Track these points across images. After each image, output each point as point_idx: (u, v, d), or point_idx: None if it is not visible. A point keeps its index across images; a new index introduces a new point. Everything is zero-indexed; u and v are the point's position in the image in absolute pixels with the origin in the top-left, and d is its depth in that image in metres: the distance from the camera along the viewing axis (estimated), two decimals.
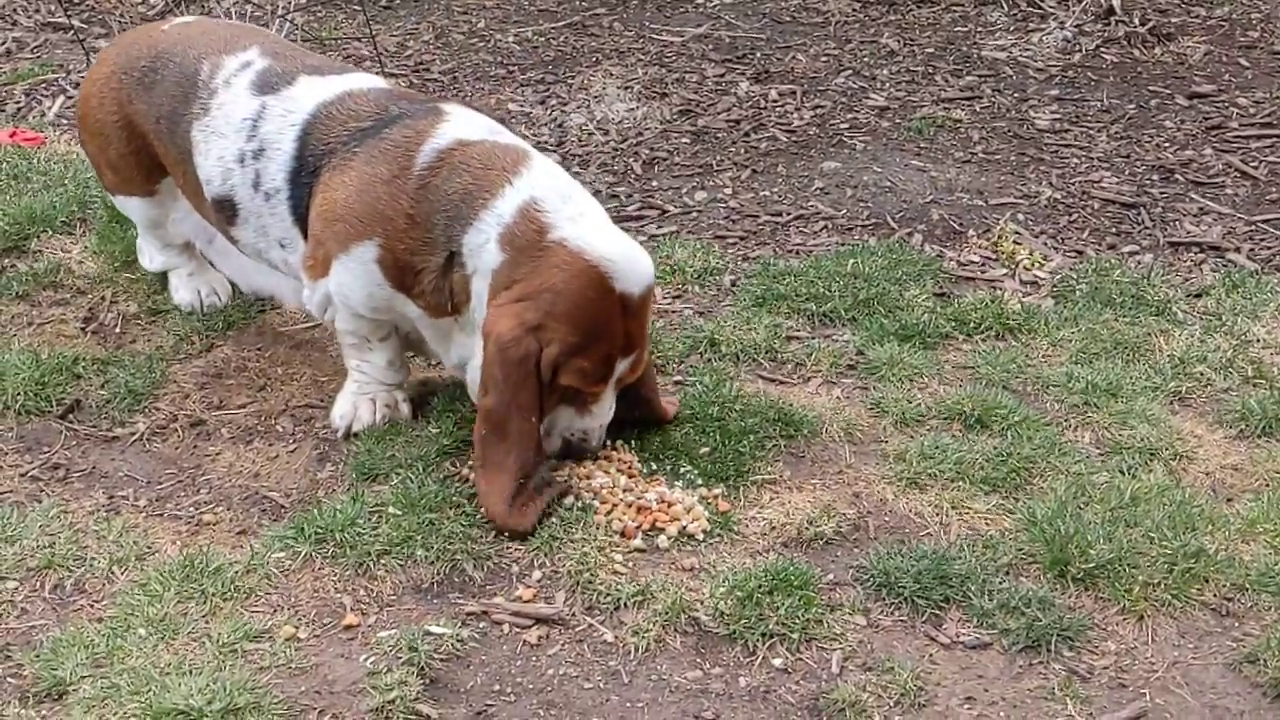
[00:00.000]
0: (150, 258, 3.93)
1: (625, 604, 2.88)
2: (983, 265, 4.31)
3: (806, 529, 3.09)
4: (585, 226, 3.06)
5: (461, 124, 3.23)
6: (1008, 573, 3.00)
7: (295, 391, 3.58)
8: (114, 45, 3.78)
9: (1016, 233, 4.47)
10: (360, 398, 3.41)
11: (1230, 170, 4.97)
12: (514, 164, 3.13)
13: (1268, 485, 3.30)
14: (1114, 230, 4.58)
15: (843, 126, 5.25)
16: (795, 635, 2.81)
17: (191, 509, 3.17)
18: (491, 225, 3.08)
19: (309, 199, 3.28)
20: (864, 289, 4.03)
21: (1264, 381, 3.70)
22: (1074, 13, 6.16)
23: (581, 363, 3.04)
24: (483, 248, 3.09)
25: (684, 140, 5.12)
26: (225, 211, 3.45)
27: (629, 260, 3.05)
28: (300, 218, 3.32)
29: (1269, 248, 4.46)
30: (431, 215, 3.14)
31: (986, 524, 3.14)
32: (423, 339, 3.39)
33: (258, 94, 3.39)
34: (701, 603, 2.88)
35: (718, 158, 5.00)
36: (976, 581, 2.94)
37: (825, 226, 4.54)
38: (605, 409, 3.18)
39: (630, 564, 2.99)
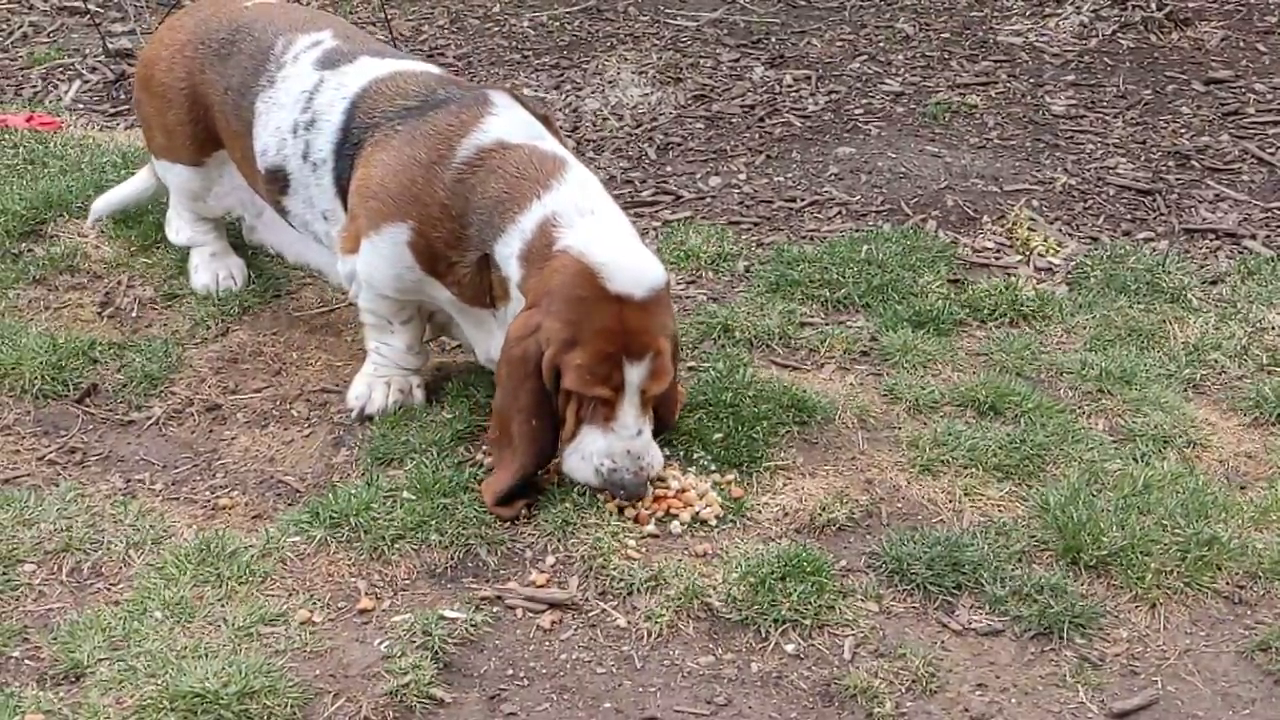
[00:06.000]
0: (178, 230, 3.95)
1: (638, 589, 2.89)
2: (997, 251, 4.30)
3: (819, 515, 3.09)
4: (592, 235, 3.02)
5: (506, 122, 3.19)
6: (1020, 560, 3.00)
7: (310, 376, 3.59)
8: (189, 14, 3.82)
9: (1031, 219, 4.46)
10: (376, 380, 3.43)
11: (1247, 157, 4.95)
12: (546, 176, 3.10)
13: None
14: (1129, 217, 4.56)
15: (857, 112, 5.24)
16: (808, 621, 2.82)
17: (207, 493, 3.19)
18: (516, 239, 3.08)
19: (350, 172, 3.32)
20: (878, 275, 4.03)
21: (1279, 369, 3.69)
22: None
23: (576, 359, 2.96)
24: (509, 260, 3.10)
25: (698, 125, 5.12)
26: (278, 182, 3.50)
27: (627, 264, 2.98)
28: (342, 189, 3.36)
29: None
30: (467, 213, 3.14)
31: (999, 511, 3.14)
32: (452, 322, 3.41)
33: (318, 69, 3.46)
34: (714, 588, 2.88)
35: (732, 143, 4.99)
36: (989, 568, 2.95)
37: (839, 212, 4.53)
38: (628, 424, 3.02)
39: (643, 549, 3.00)
